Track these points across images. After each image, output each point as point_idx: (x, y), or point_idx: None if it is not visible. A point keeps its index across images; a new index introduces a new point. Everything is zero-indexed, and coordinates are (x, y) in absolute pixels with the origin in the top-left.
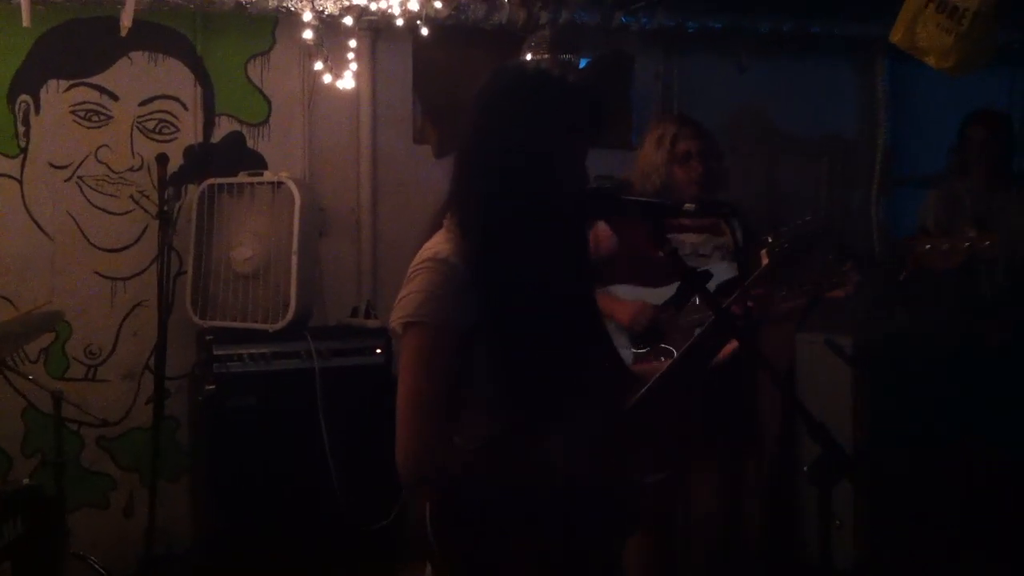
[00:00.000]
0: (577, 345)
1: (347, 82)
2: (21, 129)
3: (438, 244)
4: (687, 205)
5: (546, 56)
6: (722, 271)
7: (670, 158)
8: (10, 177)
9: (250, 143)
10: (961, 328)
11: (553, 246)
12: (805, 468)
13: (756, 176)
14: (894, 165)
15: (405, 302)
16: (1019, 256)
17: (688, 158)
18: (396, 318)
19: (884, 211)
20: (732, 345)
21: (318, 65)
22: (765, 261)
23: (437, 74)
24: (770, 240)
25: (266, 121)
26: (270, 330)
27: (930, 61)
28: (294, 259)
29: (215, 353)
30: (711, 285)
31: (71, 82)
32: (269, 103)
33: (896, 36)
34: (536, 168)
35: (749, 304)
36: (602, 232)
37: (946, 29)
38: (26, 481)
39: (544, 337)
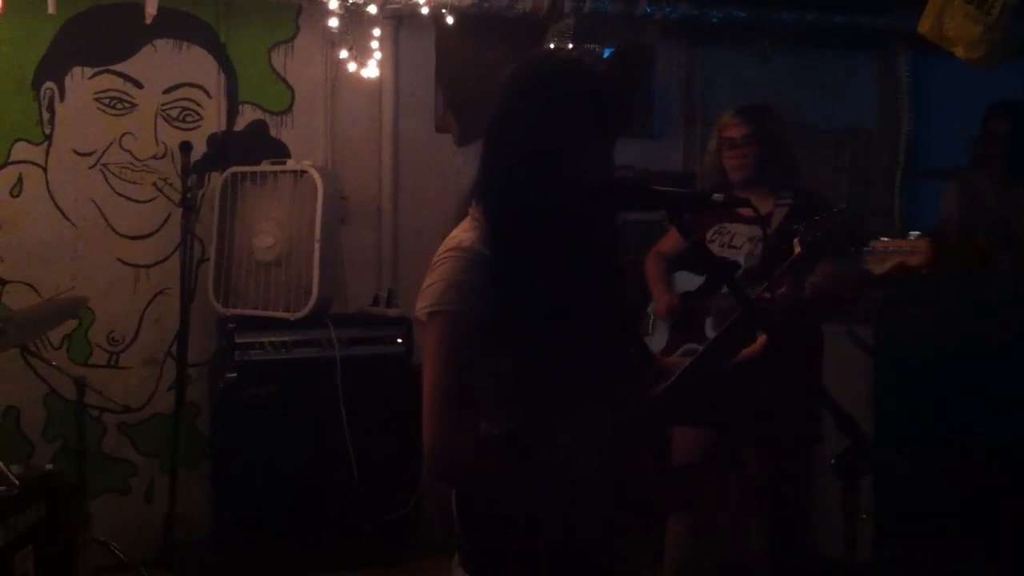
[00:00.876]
0: (598, 340)
1: (371, 71)
2: (46, 116)
3: (463, 233)
4: (715, 196)
5: (569, 45)
6: (738, 263)
7: (719, 144)
8: (35, 164)
9: (273, 131)
10: (964, 328)
11: (578, 237)
12: (832, 461)
13: None
14: (918, 158)
15: (430, 291)
16: None
17: (734, 145)
18: (421, 307)
19: (906, 203)
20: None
21: (343, 53)
22: (797, 250)
23: (459, 63)
24: (802, 230)
25: (289, 109)
26: (291, 318)
27: (958, 52)
28: (316, 247)
29: (236, 341)
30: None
31: (95, 69)
32: (292, 91)
33: (924, 26)
34: (563, 157)
35: (779, 291)
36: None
37: (974, 19)
38: (48, 466)
39: (565, 331)
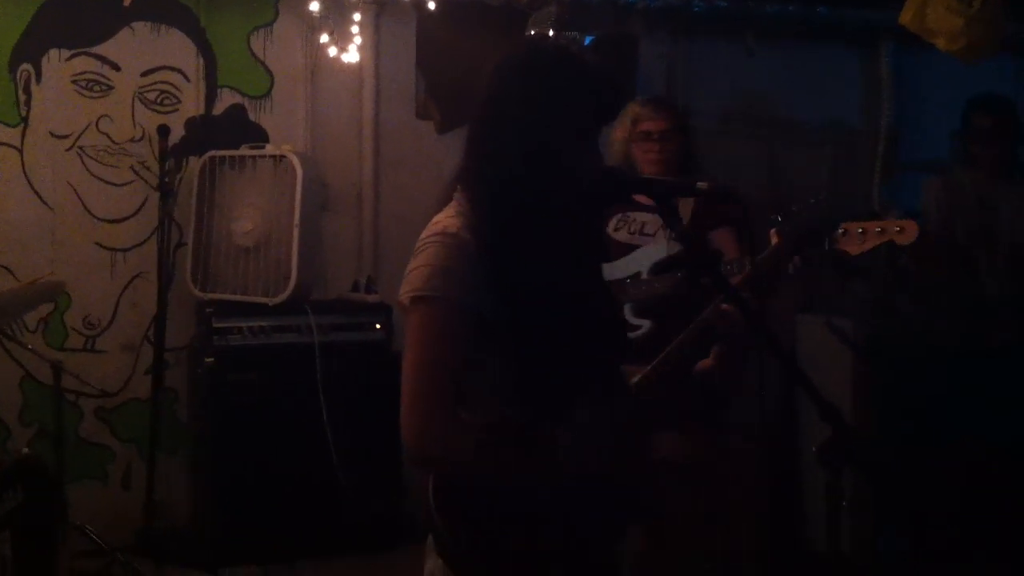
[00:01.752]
0: (596, 336)
1: (352, 56)
2: (22, 98)
3: (447, 218)
4: (700, 184)
5: (551, 33)
6: (662, 250)
7: (629, 136)
8: (10, 146)
9: (252, 116)
10: (961, 326)
11: (568, 226)
12: (813, 448)
13: (758, 162)
14: (897, 151)
15: (413, 276)
16: (1021, 246)
17: (647, 137)
18: (405, 291)
19: (886, 197)
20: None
21: (324, 38)
22: (775, 240)
23: (441, 50)
24: (780, 220)
25: (268, 94)
26: (270, 303)
27: (939, 44)
28: (295, 233)
29: (215, 326)
30: (651, 262)
31: (73, 51)
32: (271, 76)
33: (906, 17)
34: (559, 148)
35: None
36: None
37: (956, 11)
38: (25, 451)
39: (555, 321)
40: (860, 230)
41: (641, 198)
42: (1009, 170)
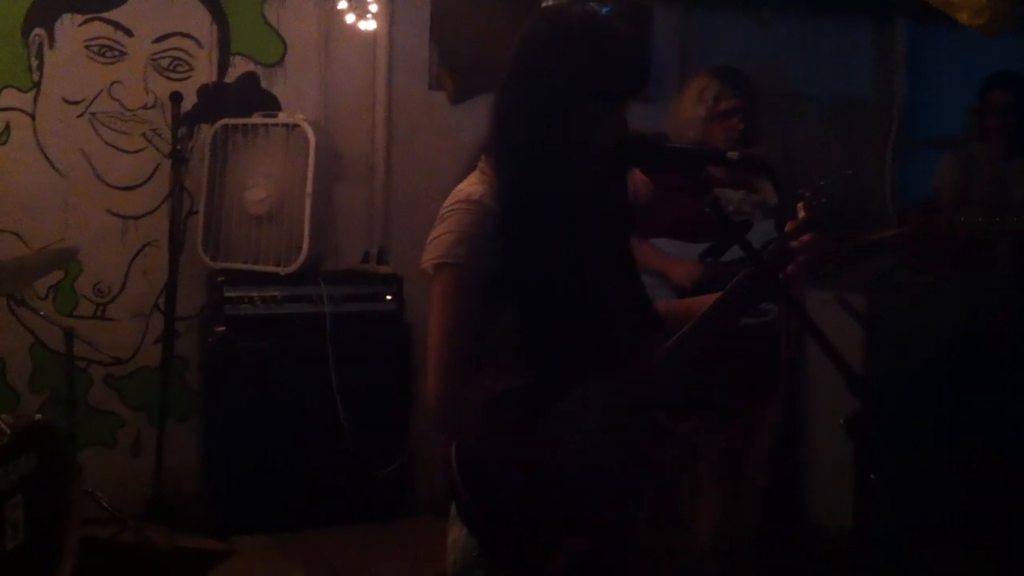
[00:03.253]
0: (608, 296)
1: (369, 24)
2: (35, 63)
3: (471, 186)
4: (730, 153)
5: (569, 4)
6: (765, 230)
7: (710, 115)
8: (23, 112)
9: (264, 84)
10: (967, 314)
11: (592, 194)
12: (841, 421)
13: (771, 135)
14: (911, 128)
15: (437, 243)
16: None
17: (730, 115)
18: (428, 259)
19: (899, 173)
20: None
21: (342, 4)
22: (802, 215)
23: (455, 20)
24: (808, 194)
25: (281, 62)
26: (282, 273)
27: (962, 18)
28: (307, 202)
29: (226, 295)
30: (762, 243)
31: (86, 16)
32: (285, 44)
33: None
34: (580, 113)
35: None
36: (639, 181)
37: None
38: (38, 416)
39: (573, 289)
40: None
41: (718, 172)
42: None
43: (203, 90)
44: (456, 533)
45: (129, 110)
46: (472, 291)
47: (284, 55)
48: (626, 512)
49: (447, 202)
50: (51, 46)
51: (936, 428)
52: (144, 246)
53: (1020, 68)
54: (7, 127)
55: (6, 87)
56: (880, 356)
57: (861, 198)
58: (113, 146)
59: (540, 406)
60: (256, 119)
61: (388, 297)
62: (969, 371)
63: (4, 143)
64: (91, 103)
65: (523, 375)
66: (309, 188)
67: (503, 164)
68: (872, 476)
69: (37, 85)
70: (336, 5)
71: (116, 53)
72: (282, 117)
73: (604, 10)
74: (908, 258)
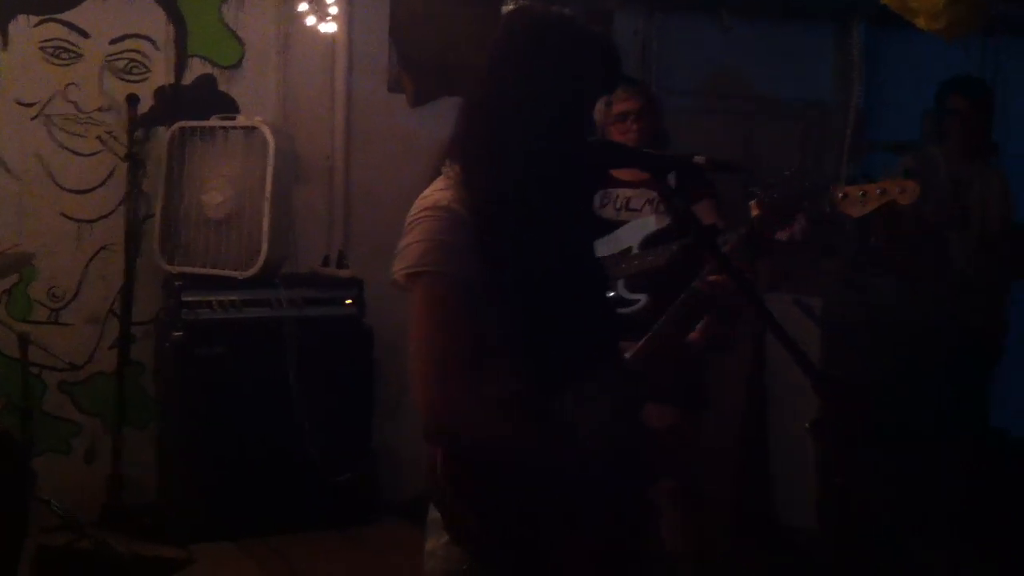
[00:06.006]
0: (586, 302)
1: (330, 26)
2: None
3: (438, 192)
4: (696, 157)
5: (539, 5)
6: (650, 224)
7: (605, 119)
8: None
9: (222, 86)
10: (928, 306)
11: (566, 198)
12: (807, 425)
13: (732, 138)
14: (869, 131)
15: (408, 252)
16: (990, 224)
17: (623, 118)
18: (401, 268)
19: (855, 175)
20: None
21: (302, 6)
22: (755, 212)
23: (414, 22)
24: (759, 192)
25: (239, 64)
26: (240, 277)
27: (920, 23)
28: (266, 206)
29: (183, 299)
30: (641, 237)
31: (41, 17)
32: (243, 46)
33: None
34: (555, 117)
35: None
36: None
37: None
38: None
39: (553, 294)
40: (861, 193)
41: (622, 174)
42: (982, 152)
43: (160, 92)
44: (435, 543)
45: (84, 112)
46: (452, 297)
47: (242, 57)
48: (632, 508)
49: (414, 210)
50: (5, 47)
51: (894, 424)
52: (100, 250)
53: (977, 72)
54: None
55: None
56: (841, 357)
57: (818, 194)
58: (68, 149)
59: (541, 407)
60: (214, 122)
61: (348, 301)
62: (929, 369)
63: None
64: (46, 105)
65: (519, 378)
66: (268, 191)
67: (476, 168)
68: (837, 479)
69: None
70: (295, 7)
71: (71, 55)
72: (240, 120)
73: None
74: (879, 247)
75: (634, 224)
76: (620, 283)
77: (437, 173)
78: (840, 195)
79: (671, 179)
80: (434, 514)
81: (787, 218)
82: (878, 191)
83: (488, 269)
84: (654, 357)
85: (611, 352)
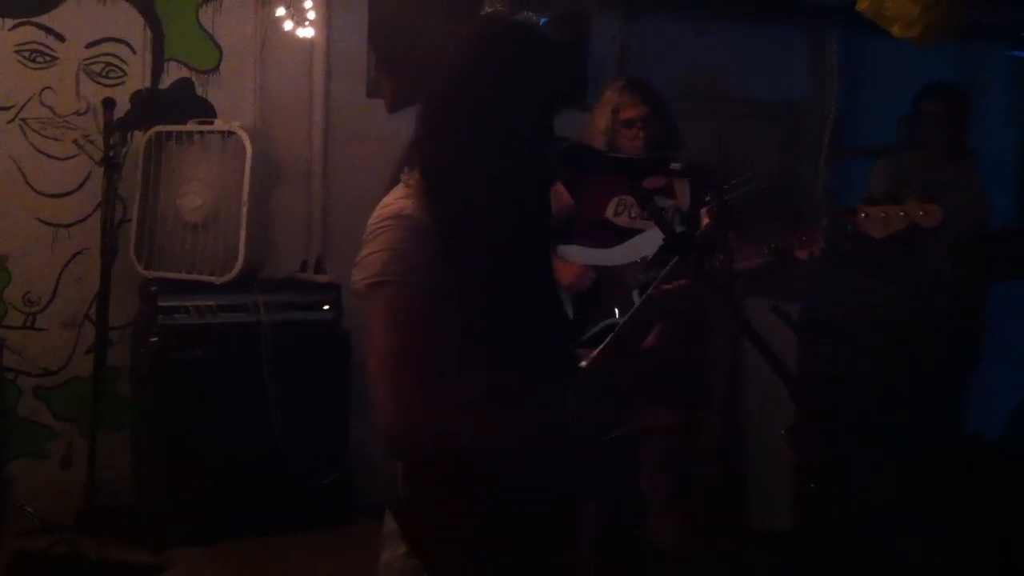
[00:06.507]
0: (545, 308)
1: (307, 31)
2: None
3: (399, 200)
4: (673, 164)
5: (506, 12)
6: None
7: (612, 124)
8: None
9: (200, 90)
10: (905, 309)
11: (529, 205)
12: (783, 431)
13: (709, 141)
14: (845, 135)
15: (370, 262)
16: (964, 231)
17: (631, 124)
18: (362, 278)
19: (830, 180)
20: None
21: (280, 11)
22: (706, 221)
23: (393, 26)
24: (709, 199)
25: (216, 68)
26: (217, 282)
27: (894, 30)
28: (244, 210)
29: (160, 304)
30: (656, 245)
31: (16, 21)
32: (220, 50)
33: (863, 4)
34: (518, 124)
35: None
36: (562, 193)
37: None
38: None
39: (514, 301)
40: (883, 214)
41: (654, 182)
42: (957, 157)
43: (136, 96)
44: (392, 554)
45: (60, 116)
46: (413, 306)
47: (220, 61)
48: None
49: (374, 219)
50: None
51: (872, 426)
52: (75, 254)
53: (953, 78)
54: None
55: None
56: (818, 360)
57: (791, 196)
58: (44, 153)
59: (510, 409)
60: (191, 126)
61: (326, 306)
62: (907, 369)
63: None
64: (21, 109)
65: (484, 383)
66: (245, 196)
67: (436, 176)
68: (812, 485)
69: None
70: (273, 11)
71: (47, 58)
72: (218, 124)
73: (542, 20)
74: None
75: (652, 232)
76: (635, 292)
77: (396, 180)
78: (862, 215)
79: (685, 188)
80: (391, 525)
81: (736, 225)
82: (900, 213)
83: (453, 276)
84: (612, 361)
85: (567, 356)
